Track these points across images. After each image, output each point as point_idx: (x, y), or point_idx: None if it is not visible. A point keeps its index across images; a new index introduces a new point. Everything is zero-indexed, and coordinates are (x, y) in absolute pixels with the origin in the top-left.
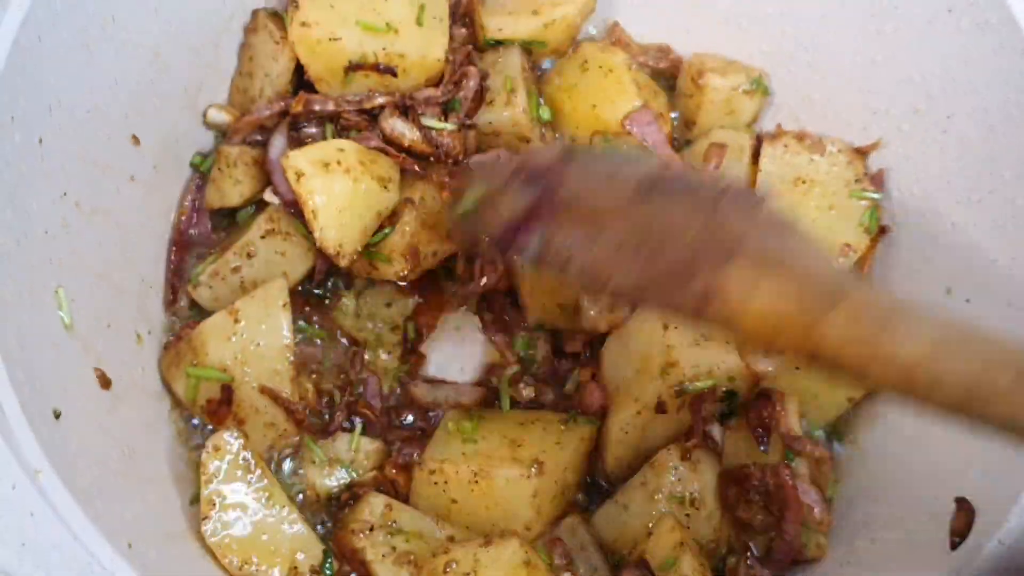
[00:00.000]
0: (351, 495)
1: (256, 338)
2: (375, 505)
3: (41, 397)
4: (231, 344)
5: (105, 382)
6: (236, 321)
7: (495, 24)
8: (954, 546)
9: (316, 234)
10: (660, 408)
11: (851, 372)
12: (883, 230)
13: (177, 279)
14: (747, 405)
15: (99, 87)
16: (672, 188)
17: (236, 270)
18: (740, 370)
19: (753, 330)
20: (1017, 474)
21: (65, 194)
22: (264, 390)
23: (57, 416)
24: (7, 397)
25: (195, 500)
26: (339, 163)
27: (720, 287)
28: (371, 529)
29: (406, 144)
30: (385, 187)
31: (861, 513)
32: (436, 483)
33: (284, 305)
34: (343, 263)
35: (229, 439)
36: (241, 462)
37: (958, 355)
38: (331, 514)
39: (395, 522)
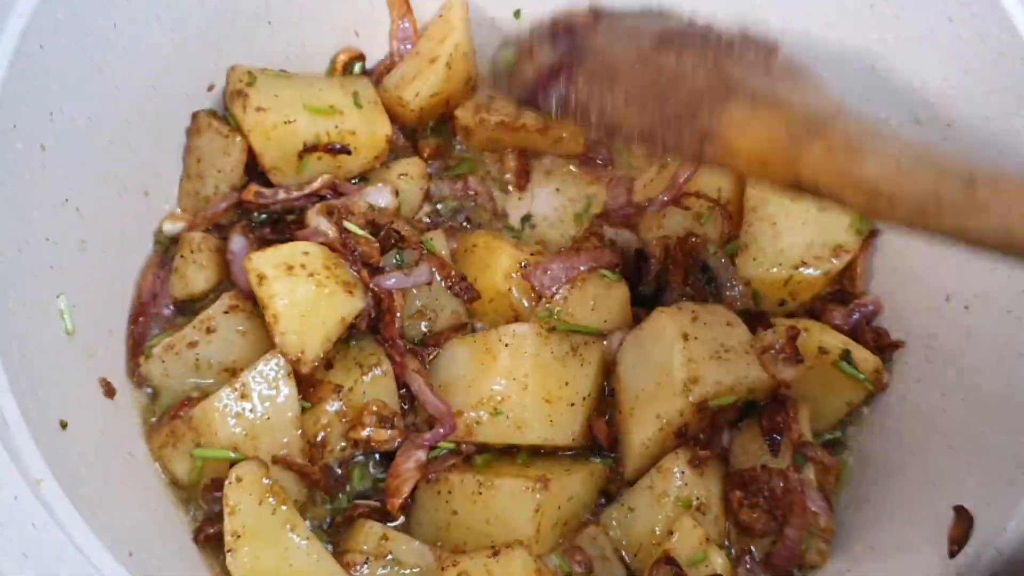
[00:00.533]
0: (344, 519)
1: (266, 413)
2: (370, 535)
3: (43, 406)
4: (240, 421)
5: (110, 391)
6: (243, 397)
7: None
8: (953, 554)
9: (276, 339)
10: (682, 431)
11: (828, 195)
12: (874, 233)
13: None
14: (761, 410)
15: (101, 93)
16: (686, 40)
17: (192, 345)
18: (763, 381)
19: (746, 164)
20: (1015, 483)
21: (67, 200)
22: (277, 460)
23: (64, 427)
24: (9, 406)
25: (194, 505)
26: (303, 266)
27: (718, 126)
28: (367, 561)
29: (321, 241)
30: (350, 292)
31: (860, 520)
32: (440, 492)
33: (290, 374)
34: (304, 370)
35: (252, 468)
36: (265, 492)
37: (914, 173)
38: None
39: (391, 554)
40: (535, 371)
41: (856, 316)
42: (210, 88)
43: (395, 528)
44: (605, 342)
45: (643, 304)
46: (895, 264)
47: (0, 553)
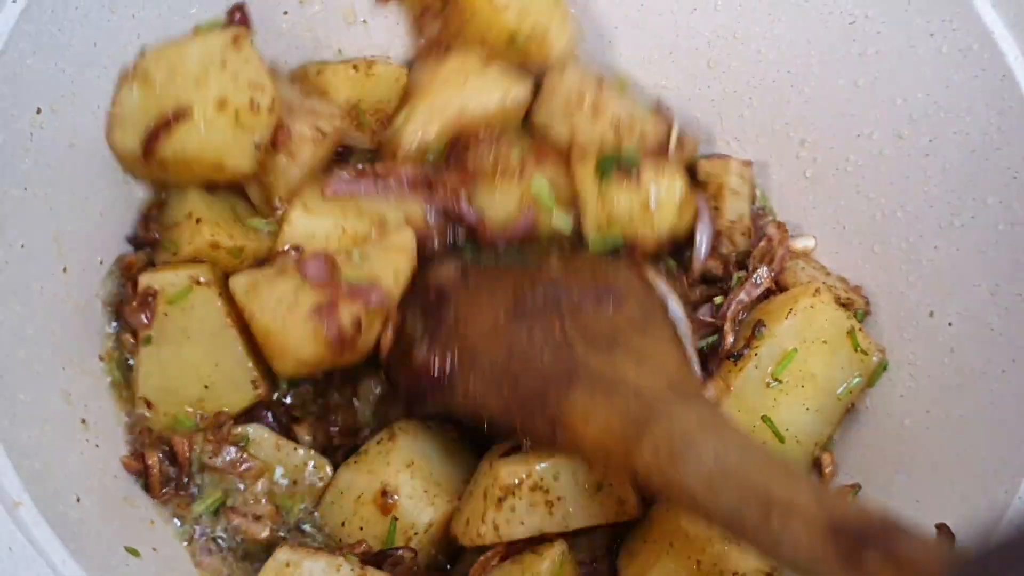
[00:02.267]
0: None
1: None
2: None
3: (21, 425)
4: None
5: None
6: None
7: None
8: None
9: None
10: None
11: (658, 494)
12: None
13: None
14: None
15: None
16: (536, 304)
17: None
18: None
19: (591, 452)
20: (998, 502)
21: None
22: None
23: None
24: None
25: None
26: None
27: (564, 413)
28: None
29: None
30: None
31: None
32: None
33: None
34: None
35: None
36: None
37: (722, 491)
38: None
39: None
40: None
41: None
42: None
43: None
44: None
45: None
46: (879, 281)
47: None
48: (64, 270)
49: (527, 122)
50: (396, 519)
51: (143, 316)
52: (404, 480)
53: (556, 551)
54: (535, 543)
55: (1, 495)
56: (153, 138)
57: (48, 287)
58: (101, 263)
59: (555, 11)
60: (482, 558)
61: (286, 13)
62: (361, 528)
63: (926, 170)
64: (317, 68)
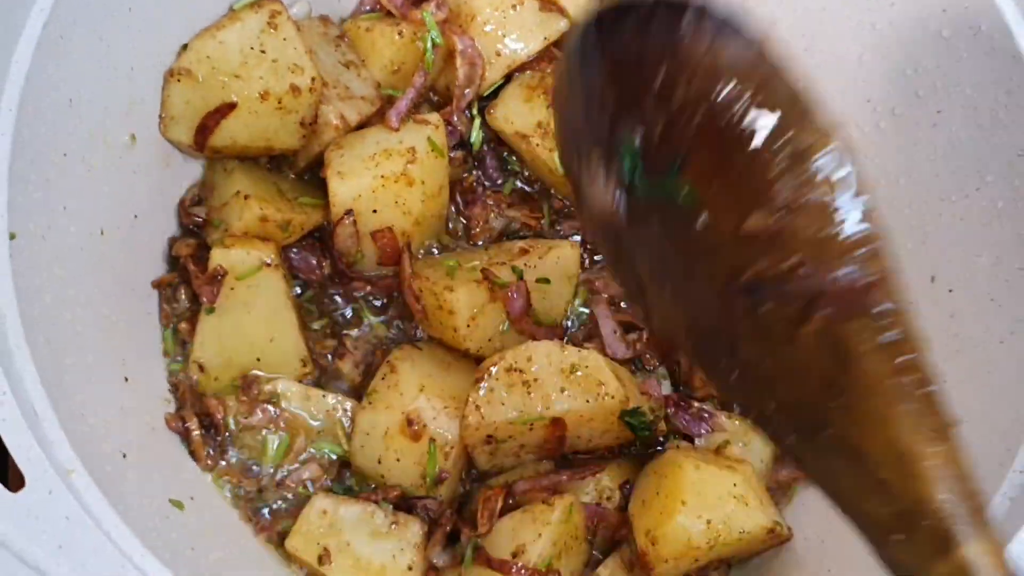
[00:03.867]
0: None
1: None
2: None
3: (70, 392)
4: None
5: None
6: None
7: None
8: None
9: None
10: None
11: None
12: None
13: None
14: None
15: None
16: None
17: None
18: None
19: None
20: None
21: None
22: None
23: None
24: (40, 399)
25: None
26: None
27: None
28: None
29: None
30: None
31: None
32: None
33: None
34: None
35: None
36: None
37: None
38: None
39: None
40: None
41: None
42: None
43: None
44: None
45: None
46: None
47: (37, 546)
48: (101, 232)
49: None
50: (433, 440)
51: (211, 290)
52: (422, 404)
53: (566, 501)
54: (546, 493)
55: (55, 463)
56: (203, 132)
57: (88, 249)
58: (136, 218)
59: None
60: (486, 494)
61: None
62: (398, 460)
63: (933, 141)
64: (367, 24)
